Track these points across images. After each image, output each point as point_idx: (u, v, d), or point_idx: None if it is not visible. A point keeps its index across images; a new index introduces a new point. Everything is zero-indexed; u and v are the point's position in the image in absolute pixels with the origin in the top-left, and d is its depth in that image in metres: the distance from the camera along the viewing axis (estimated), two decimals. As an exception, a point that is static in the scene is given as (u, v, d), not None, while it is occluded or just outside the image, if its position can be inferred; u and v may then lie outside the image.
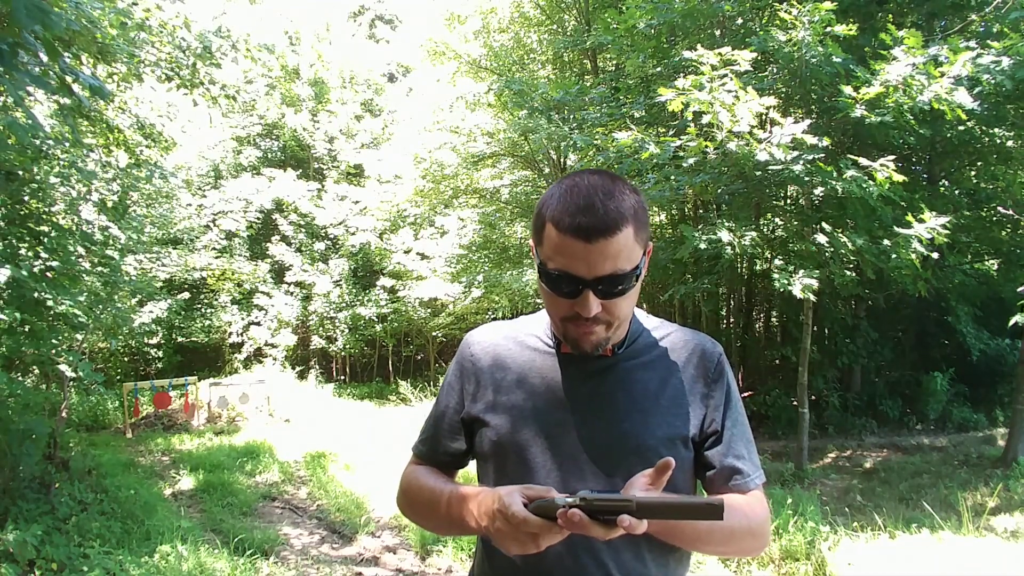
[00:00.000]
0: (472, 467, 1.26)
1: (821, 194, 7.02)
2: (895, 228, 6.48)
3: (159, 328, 12.71)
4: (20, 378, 6.17)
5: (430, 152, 11.84)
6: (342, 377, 16.53)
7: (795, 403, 8.59)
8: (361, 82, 18.96)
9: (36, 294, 4.29)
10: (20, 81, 2.09)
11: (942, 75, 5.92)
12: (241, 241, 15.71)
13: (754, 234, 6.74)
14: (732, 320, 12.25)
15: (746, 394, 10.21)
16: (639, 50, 8.22)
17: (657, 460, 1.04)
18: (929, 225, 6.17)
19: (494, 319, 13.90)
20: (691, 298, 10.71)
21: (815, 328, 9.97)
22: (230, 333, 15.35)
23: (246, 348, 15.33)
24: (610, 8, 9.88)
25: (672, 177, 7.13)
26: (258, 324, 15.27)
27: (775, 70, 7.39)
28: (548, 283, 1.03)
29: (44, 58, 2.32)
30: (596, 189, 1.00)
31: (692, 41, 7.96)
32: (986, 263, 11.44)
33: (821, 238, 6.58)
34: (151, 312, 10.70)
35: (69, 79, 2.61)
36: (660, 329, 1.18)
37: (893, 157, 6.47)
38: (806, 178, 6.37)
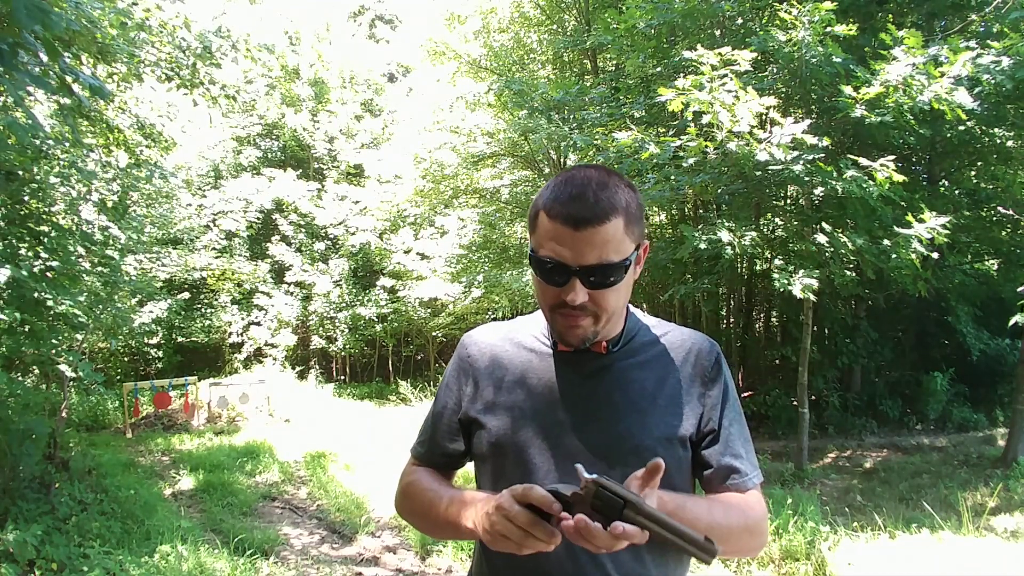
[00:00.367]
0: (470, 467, 1.26)
1: (821, 194, 7.01)
2: (895, 228, 6.48)
3: (159, 328, 12.71)
4: (20, 378, 6.17)
5: (430, 152, 11.84)
6: (342, 377, 16.53)
7: (795, 403, 8.59)
8: (361, 82, 18.96)
9: (36, 294, 4.29)
10: (20, 81, 2.09)
11: (942, 75, 5.92)
12: (241, 241, 15.71)
13: (754, 234, 6.74)
14: (732, 320, 12.24)
15: (746, 394, 10.21)
16: (639, 50, 8.22)
17: (652, 459, 1.05)
18: (929, 225, 6.17)
19: (494, 319, 13.89)
20: (691, 298, 10.71)
21: (815, 328, 9.97)
22: (230, 333, 15.35)
23: (246, 348, 15.33)
24: (610, 8, 9.88)
25: (672, 177, 7.13)
26: (258, 324, 15.27)
27: (775, 70, 7.39)
28: (537, 270, 1.05)
29: (44, 58, 2.33)
30: (590, 180, 1.02)
31: (692, 41, 7.95)
32: (986, 263, 11.44)
33: (821, 238, 6.58)
34: (151, 312, 10.70)
35: (69, 79, 2.61)
36: (657, 328, 1.18)
37: (893, 157, 6.46)
38: (806, 178, 6.37)
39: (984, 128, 8.06)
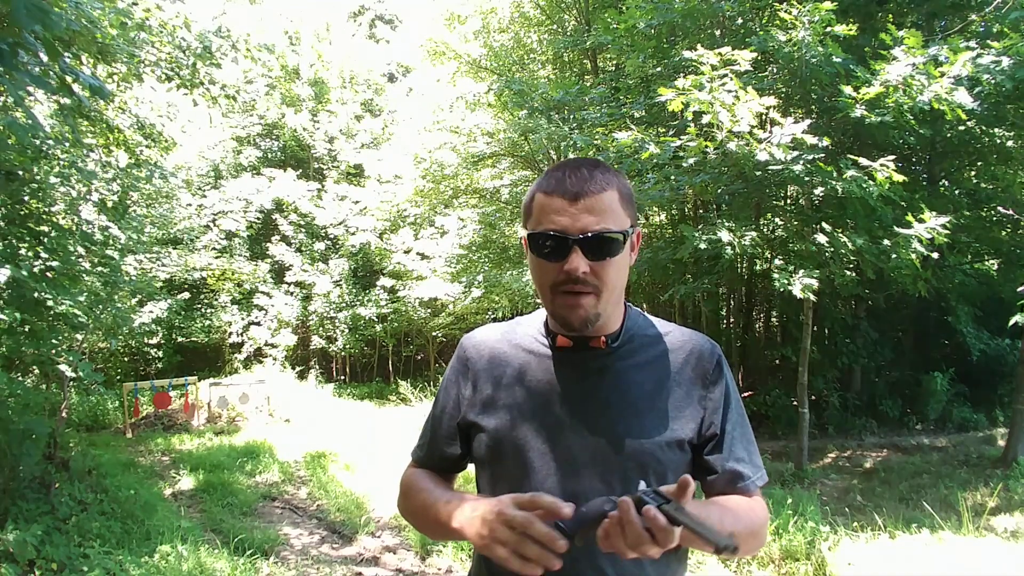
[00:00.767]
0: (471, 469, 1.25)
1: (821, 194, 7.01)
2: (895, 228, 6.47)
3: (159, 328, 12.72)
4: (20, 378, 6.17)
5: (430, 152, 11.85)
6: (342, 377, 16.53)
7: (795, 403, 8.59)
8: (361, 82, 18.97)
9: (36, 294, 4.28)
10: (20, 81, 2.09)
11: (942, 75, 5.91)
12: (241, 241, 15.71)
13: (754, 234, 6.74)
14: (732, 320, 12.24)
15: (746, 394, 10.21)
16: (639, 50, 8.22)
17: (654, 463, 1.04)
18: (929, 225, 6.16)
19: (494, 319, 13.90)
20: (691, 298, 10.70)
21: (815, 328, 9.97)
22: (230, 333, 15.35)
23: (246, 348, 15.33)
24: (610, 8, 9.88)
25: (672, 177, 7.13)
26: (258, 324, 15.27)
27: (775, 70, 7.39)
28: (536, 248, 1.05)
29: (44, 58, 2.33)
30: (583, 161, 1.08)
31: (692, 41, 7.95)
32: (986, 263, 11.44)
33: (821, 238, 6.58)
34: (151, 312, 10.70)
35: (69, 79, 2.61)
36: (657, 328, 1.18)
37: (893, 157, 6.46)
38: (806, 178, 6.37)
39: (984, 128, 8.06)
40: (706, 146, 6.33)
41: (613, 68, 11.79)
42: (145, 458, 7.88)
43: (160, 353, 14.37)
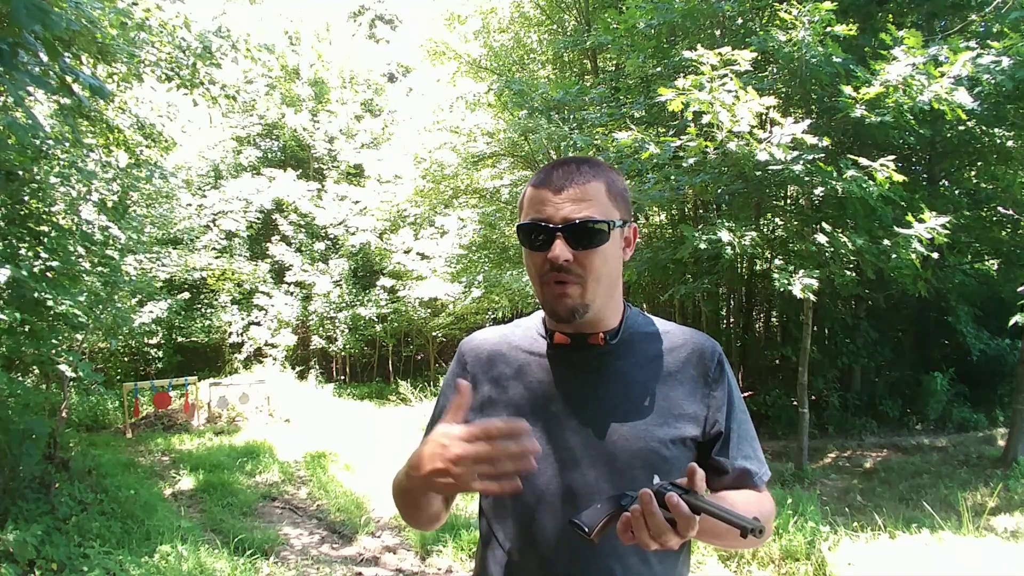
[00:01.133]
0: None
1: (821, 194, 7.01)
2: (895, 228, 6.48)
3: (159, 328, 12.72)
4: (20, 378, 6.17)
5: (430, 152, 11.85)
6: (342, 377, 16.53)
7: (795, 403, 8.59)
8: (361, 82, 18.97)
9: (36, 294, 4.28)
10: (20, 81, 2.09)
11: (942, 75, 5.91)
12: (241, 241, 15.71)
13: (754, 234, 6.74)
14: (732, 320, 12.24)
15: (746, 394, 10.20)
16: (639, 50, 8.22)
17: (659, 461, 1.05)
18: (929, 225, 6.17)
19: (494, 319, 13.91)
20: (691, 298, 10.71)
21: (815, 328, 9.97)
22: (230, 333, 15.35)
23: (246, 348, 15.33)
24: (610, 8, 9.89)
25: (672, 177, 7.13)
26: (258, 324, 15.27)
27: (775, 70, 7.39)
28: (525, 240, 1.07)
29: (44, 58, 2.33)
30: (575, 157, 1.09)
31: (692, 41, 7.95)
32: (986, 263, 11.43)
33: (821, 238, 6.58)
34: (151, 312, 10.70)
35: (69, 79, 2.61)
36: (657, 327, 1.18)
37: (893, 157, 6.46)
38: (806, 178, 6.37)
39: (984, 128, 8.06)
40: (706, 146, 6.33)
41: (613, 68, 11.80)
42: (145, 458, 7.88)
43: (160, 353, 14.37)
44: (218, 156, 16.94)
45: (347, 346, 15.38)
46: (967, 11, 8.09)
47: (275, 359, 15.26)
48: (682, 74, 6.78)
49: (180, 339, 15.10)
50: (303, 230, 16.14)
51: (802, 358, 7.78)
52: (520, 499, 1.07)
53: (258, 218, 15.60)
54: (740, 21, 8.47)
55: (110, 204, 5.82)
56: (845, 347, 10.62)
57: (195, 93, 5.98)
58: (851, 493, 7.20)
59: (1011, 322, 6.47)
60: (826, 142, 6.21)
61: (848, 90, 6.15)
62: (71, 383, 6.26)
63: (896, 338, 11.68)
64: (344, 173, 17.30)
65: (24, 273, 3.99)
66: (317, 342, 15.62)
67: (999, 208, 9.40)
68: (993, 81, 6.17)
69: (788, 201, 9.60)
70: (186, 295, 12.50)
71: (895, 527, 4.99)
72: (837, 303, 10.77)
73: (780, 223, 8.45)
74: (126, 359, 14.16)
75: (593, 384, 1.10)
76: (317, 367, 16.10)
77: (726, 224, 6.80)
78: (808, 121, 6.40)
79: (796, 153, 6.17)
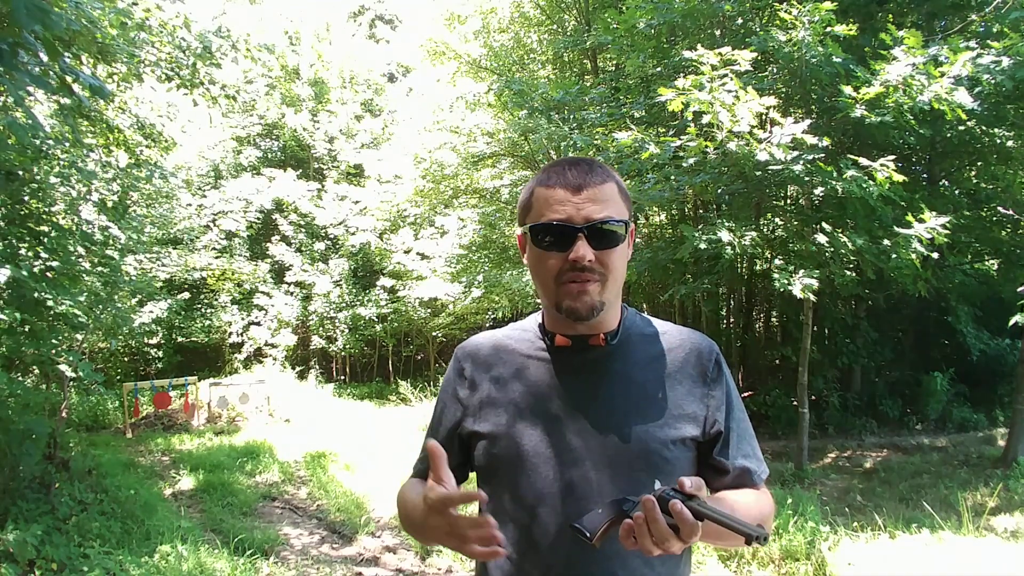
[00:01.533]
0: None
1: (821, 194, 7.01)
2: (895, 228, 6.47)
3: (159, 328, 12.71)
4: (20, 378, 6.17)
5: (430, 152, 11.84)
6: (342, 377, 16.53)
7: (795, 403, 8.59)
8: (361, 82, 18.96)
9: (36, 294, 4.28)
10: (20, 81, 2.09)
11: (942, 75, 5.91)
12: (241, 241, 15.71)
13: (754, 234, 6.74)
14: (732, 320, 12.24)
15: (746, 394, 10.21)
16: (639, 50, 8.22)
17: (661, 462, 1.05)
18: (929, 225, 6.16)
19: (494, 319, 13.92)
20: (691, 298, 10.70)
21: (815, 328, 9.97)
22: (230, 333, 15.35)
23: (246, 348, 15.33)
24: (610, 8, 9.88)
25: (672, 177, 7.13)
26: (258, 324, 15.27)
27: (775, 70, 7.39)
28: (538, 240, 1.06)
29: (44, 58, 2.33)
30: (582, 158, 1.10)
31: (692, 41, 7.95)
32: (986, 263, 11.43)
33: (821, 238, 6.58)
34: (151, 312, 10.70)
35: (69, 79, 2.61)
36: (655, 327, 1.18)
37: (893, 157, 6.45)
38: (806, 178, 6.37)
39: (984, 128, 8.05)
40: (706, 146, 6.33)
41: (613, 68, 11.79)
42: (145, 458, 7.88)
43: (160, 353, 14.37)
44: (218, 156, 16.94)
45: (347, 346, 15.38)
46: (967, 11, 8.08)
47: (275, 359, 15.26)
48: (682, 74, 6.78)
49: (180, 339, 15.10)
50: (303, 230, 16.14)
51: (802, 358, 7.78)
52: (520, 501, 1.07)
53: (258, 218, 15.60)
54: (740, 21, 8.47)
55: (110, 204, 5.82)
56: (845, 347, 10.61)
57: (195, 93, 5.98)
58: (851, 493, 7.20)
59: (1011, 322, 6.46)
60: (826, 142, 6.21)
61: (848, 90, 6.15)
62: (71, 383, 6.26)
63: (896, 338, 11.68)
64: (344, 173, 17.30)
65: (24, 273, 3.99)
66: (317, 342, 15.62)
67: (999, 208, 9.40)
68: (993, 81, 6.17)
69: (788, 201, 9.60)
70: (186, 295, 12.50)
71: (895, 527, 4.99)
72: (837, 303, 10.77)
73: (780, 223, 8.45)
74: (126, 359, 14.16)
75: (594, 385, 1.10)
76: (317, 367, 16.10)
77: (726, 224, 6.80)
78: (808, 121, 6.39)
79: (796, 153, 6.16)
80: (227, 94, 6.38)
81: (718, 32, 8.45)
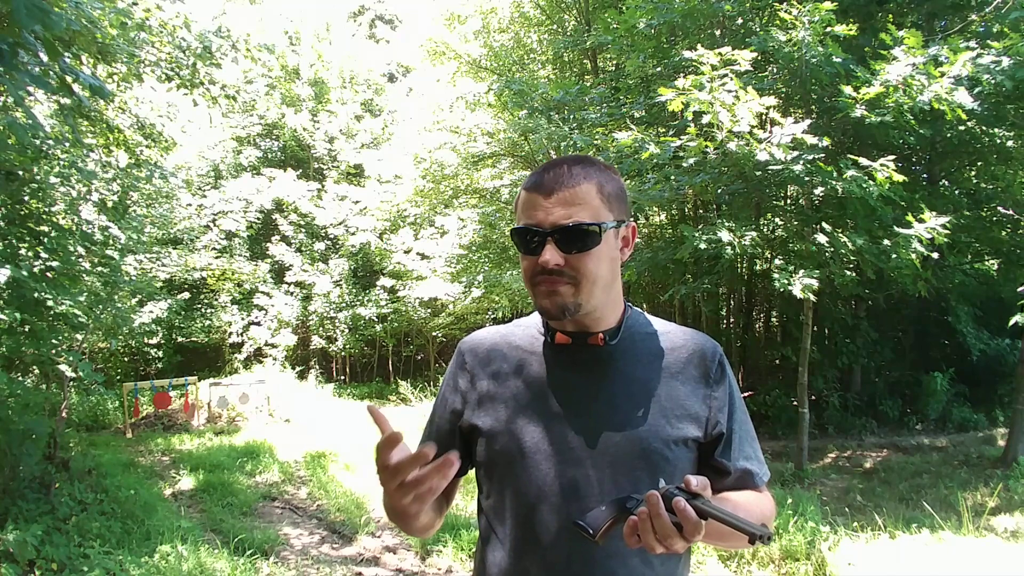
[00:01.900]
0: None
1: (821, 194, 7.01)
2: (895, 228, 6.48)
3: (159, 328, 12.71)
4: (20, 378, 6.17)
5: (430, 152, 11.84)
6: (342, 377, 16.53)
7: (795, 403, 8.59)
8: (361, 82, 18.96)
9: (36, 294, 4.29)
10: (20, 81, 2.09)
11: (942, 75, 5.91)
12: (241, 241, 15.71)
13: (754, 234, 6.74)
14: (732, 320, 12.24)
15: (746, 394, 10.20)
16: (639, 50, 8.22)
17: (661, 461, 1.05)
18: (929, 225, 6.17)
19: (494, 319, 13.91)
20: (691, 298, 10.71)
21: (815, 328, 9.97)
22: (230, 333, 15.35)
23: (246, 348, 15.33)
24: (610, 8, 9.89)
25: (672, 177, 7.13)
26: (258, 324, 15.27)
27: (775, 70, 7.39)
28: (516, 243, 1.09)
29: (44, 58, 2.33)
30: (568, 158, 1.09)
31: (692, 41, 7.95)
32: (986, 263, 11.43)
33: (821, 238, 6.58)
34: (151, 312, 10.70)
35: (69, 79, 2.61)
36: (657, 327, 1.18)
37: (893, 157, 6.46)
38: (806, 178, 6.37)
39: (984, 128, 8.06)
40: (706, 146, 6.33)
41: (613, 68, 11.79)
42: (145, 458, 7.88)
43: (160, 353, 14.37)
44: (218, 156, 16.94)
45: (347, 346, 15.38)
46: (967, 11, 8.09)
47: (275, 359, 15.26)
48: (682, 74, 6.78)
49: (180, 339, 15.09)
50: (303, 230, 16.13)
51: (802, 358, 7.78)
52: (521, 498, 1.07)
53: (258, 218, 15.60)
54: (740, 21, 8.47)
55: (110, 204, 5.82)
56: (845, 347, 10.62)
57: (195, 93, 5.98)
58: (851, 493, 7.20)
59: (1011, 322, 6.47)
60: (826, 142, 6.21)
61: (848, 90, 6.15)
62: (71, 383, 6.26)
63: (896, 338, 11.68)
64: (344, 173, 17.30)
65: (24, 273, 3.99)
66: (317, 342, 15.62)
67: (999, 208, 9.40)
68: (993, 81, 6.17)
69: (788, 201, 9.60)
70: (186, 295, 12.49)
71: (895, 527, 4.99)
72: (837, 303, 10.77)
73: (780, 223, 8.45)
74: (126, 359, 14.16)
75: (594, 384, 1.10)
76: (317, 367, 16.10)
77: (726, 224, 6.80)
78: (808, 121, 6.40)
79: (796, 153, 6.17)
80: (227, 94, 6.38)
81: (718, 32, 8.46)
